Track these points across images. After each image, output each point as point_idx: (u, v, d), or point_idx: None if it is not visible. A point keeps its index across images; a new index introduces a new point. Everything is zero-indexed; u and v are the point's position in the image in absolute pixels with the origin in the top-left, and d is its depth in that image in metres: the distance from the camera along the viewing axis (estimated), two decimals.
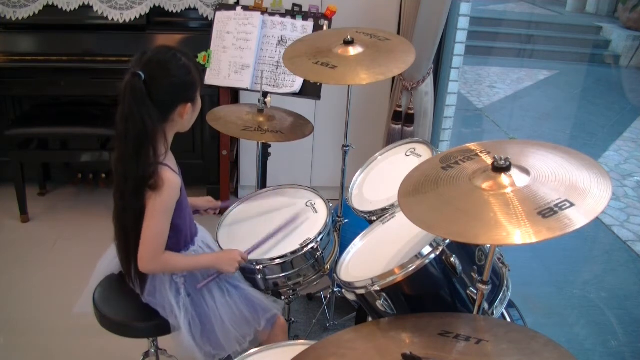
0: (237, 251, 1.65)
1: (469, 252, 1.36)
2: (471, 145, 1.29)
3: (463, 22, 2.97)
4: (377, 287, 1.35)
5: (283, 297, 1.77)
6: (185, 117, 1.51)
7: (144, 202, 1.45)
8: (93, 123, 2.96)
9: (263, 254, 1.74)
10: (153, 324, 1.58)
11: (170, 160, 1.53)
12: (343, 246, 1.73)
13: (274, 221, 1.84)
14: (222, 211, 1.97)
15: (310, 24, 2.42)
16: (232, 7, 2.48)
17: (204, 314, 1.59)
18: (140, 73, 1.40)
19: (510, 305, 1.80)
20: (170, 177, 1.47)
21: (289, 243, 1.76)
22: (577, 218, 0.99)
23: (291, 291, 1.77)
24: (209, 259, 1.62)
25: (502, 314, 1.52)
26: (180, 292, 1.57)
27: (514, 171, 1.11)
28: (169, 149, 1.52)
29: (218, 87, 2.75)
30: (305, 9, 2.45)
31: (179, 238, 1.58)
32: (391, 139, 2.91)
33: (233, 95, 3.04)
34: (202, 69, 2.46)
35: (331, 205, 1.92)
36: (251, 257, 1.71)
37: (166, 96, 1.46)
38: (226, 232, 1.88)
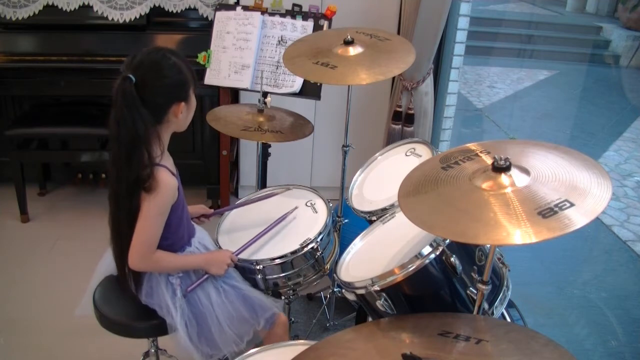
0: (227, 253, 1.66)
1: (469, 252, 1.36)
2: (471, 145, 1.29)
3: (463, 22, 2.97)
4: (377, 287, 1.35)
5: (283, 297, 1.77)
6: (180, 117, 1.51)
7: (138, 203, 1.46)
8: (93, 123, 2.96)
9: (259, 253, 1.74)
10: (153, 324, 1.58)
11: (167, 161, 1.53)
12: (343, 246, 1.73)
13: (273, 221, 1.84)
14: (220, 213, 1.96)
15: (310, 24, 2.42)
16: (232, 7, 2.48)
17: (200, 314, 1.59)
18: (131, 76, 1.40)
19: (510, 305, 1.80)
20: (166, 178, 1.47)
21: (289, 243, 1.76)
22: (577, 218, 0.99)
23: (291, 291, 1.77)
24: (198, 260, 1.62)
25: (502, 314, 1.52)
26: (177, 293, 1.57)
27: (514, 171, 1.11)
28: (164, 150, 1.52)
29: (218, 87, 2.75)
30: (305, 9, 2.45)
31: (175, 239, 1.58)
32: (391, 139, 2.91)
33: (233, 95, 3.04)
34: (202, 69, 2.46)
35: (331, 205, 1.92)
36: (251, 257, 1.71)
37: (158, 97, 1.46)
38: (226, 232, 1.88)
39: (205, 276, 1.61)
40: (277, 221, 1.83)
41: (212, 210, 1.88)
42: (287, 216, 1.86)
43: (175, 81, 1.48)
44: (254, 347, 1.42)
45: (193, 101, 1.55)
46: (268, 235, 1.79)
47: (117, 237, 1.54)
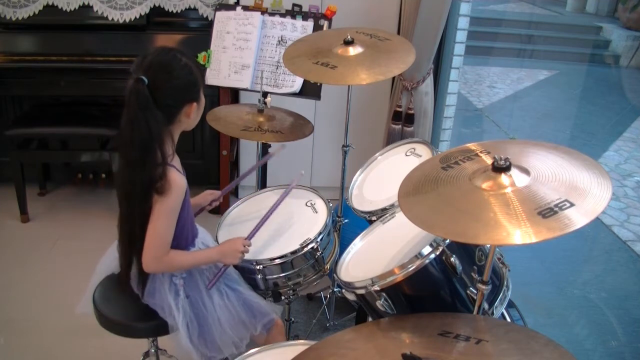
0: (239, 239, 1.64)
1: (469, 252, 1.36)
2: (471, 145, 1.29)
3: (463, 22, 2.97)
4: (377, 287, 1.35)
5: (283, 297, 1.77)
6: (191, 117, 1.52)
7: (151, 205, 1.46)
8: (93, 123, 2.96)
9: (259, 253, 1.74)
10: (153, 324, 1.58)
11: (176, 161, 1.53)
12: (343, 246, 1.73)
13: (273, 220, 1.84)
14: (222, 208, 1.96)
15: (310, 24, 2.42)
16: (232, 7, 2.48)
17: (202, 315, 1.59)
18: (144, 78, 1.40)
19: (510, 305, 1.80)
20: (177, 178, 1.47)
21: (289, 243, 1.76)
22: (577, 218, 0.99)
23: (291, 291, 1.77)
24: (212, 253, 1.62)
25: (502, 314, 1.52)
26: (179, 294, 1.57)
27: (514, 171, 1.11)
28: (174, 149, 1.52)
29: (218, 87, 2.75)
30: (305, 9, 2.45)
31: (180, 239, 1.58)
32: (391, 139, 2.91)
33: (233, 95, 3.04)
34: (202, 69, 2.46)
35: (331, 205, 1.92)
36: (251, 257, 1.70)
37: (171, 99, 1.46)
38: (226, 232, 1.88)
39: (224, 268, 1.61)
40: (284, 195, 1.81)
41: (219, 192, 1.88)
42: (295, 183, 1.85)
43: (186, 82, 1.48)
44: (252, 348, 1.42)
45: (203, 100, 1.56)
46: (269, 236, 1.79)
47: (127, 239, 1.53)
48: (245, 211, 1.99)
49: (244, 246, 1.63)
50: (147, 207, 1.46)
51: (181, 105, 1.48)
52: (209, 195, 1.85)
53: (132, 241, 1.52)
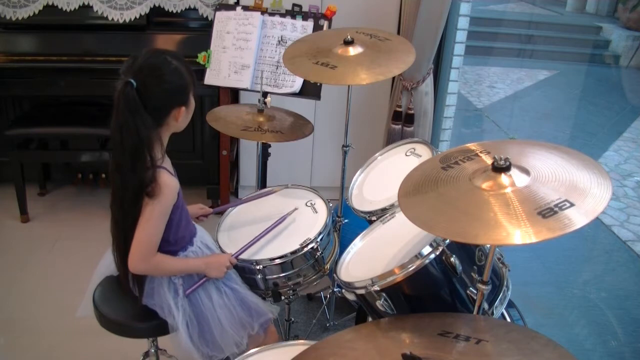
0: (226, 256, 1.66)
1: (469, 252, 1.36)
2: (471, 145, 1.29)
3: (463, 22, 2.97)
4: (377, 287, 1.35)
5: (283, 297, 1.77)
6: (179, 120, 1.51)
7: (141, 208, 1.45)
8: (93, 123, 2.96)
9: (259, 253, 1.74)
10: (153, 324, 1.58)
11: (167, 162, 1.53)
12: (343, 246, 1.74)
13: (273, 221, 1.84)
14: (219, 212, 1.97)
15: (310, 24, 2.42)
16: (232, 7, 2.48)
17: (202, 314, 1.59)
18: (132, 81, 1.39)
19: (510, 305, 1.80)
20: (168, 180, 1.47)
21: (289, 243, 1.76)
22: (577, 218, 0.99)
23: (291, 291, 1.77)
24: (198, 264, 1.61)
25: (502, 314, 1.52)
26: (179, 293, 1.57)
27: (514, 171, 1.11)
28: (164, 152, 1.52)
29: (218, 87, 2.75)
30: (305, 9, 2.45)
31: (177, 238, 1.58)
32: (391, 139, 2.91)
33: (233, 95, 3.04)
34: (202, 69, 2.46)
35: (331, 205, 1.92)
36: (251, 257, 1.71)
37: (160, 102, 1.46)
38: (226, 232, 1.88)
39: (205, 279, 1.61)
40: (276, 223, 1.83)
41: (210, 210, 1.88)
42: (286, 217, 1.86)
43: (176, 86, 1.47)
44: (253, 347, 1.42)
45: (192, 104, 1.55)
46: (268, 235, 1.79)
47: (121, 243, 1.53)
48: (244, 211, 1.99)
49: (230, 262, 1.64)
50: (138, 210, 1.46)
51: (170, 109, 1.48)
52: (199, 210, 1.85)
53: (126, 244, 1.51)
